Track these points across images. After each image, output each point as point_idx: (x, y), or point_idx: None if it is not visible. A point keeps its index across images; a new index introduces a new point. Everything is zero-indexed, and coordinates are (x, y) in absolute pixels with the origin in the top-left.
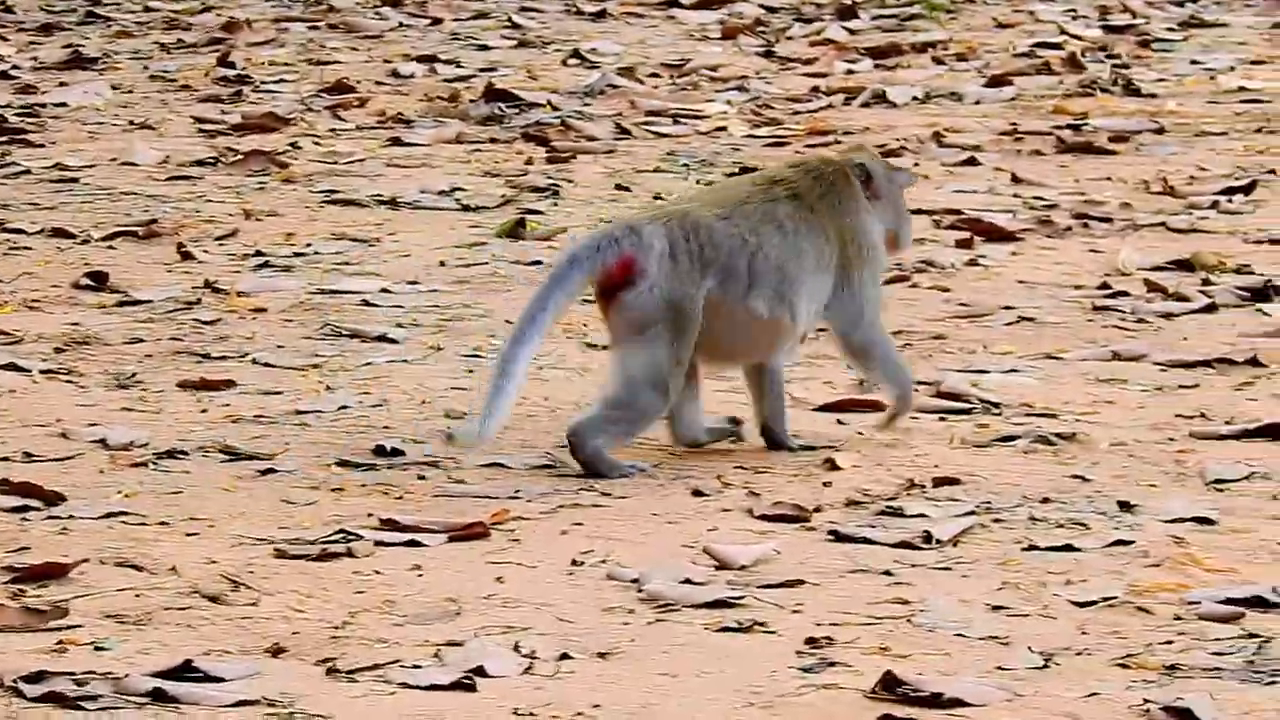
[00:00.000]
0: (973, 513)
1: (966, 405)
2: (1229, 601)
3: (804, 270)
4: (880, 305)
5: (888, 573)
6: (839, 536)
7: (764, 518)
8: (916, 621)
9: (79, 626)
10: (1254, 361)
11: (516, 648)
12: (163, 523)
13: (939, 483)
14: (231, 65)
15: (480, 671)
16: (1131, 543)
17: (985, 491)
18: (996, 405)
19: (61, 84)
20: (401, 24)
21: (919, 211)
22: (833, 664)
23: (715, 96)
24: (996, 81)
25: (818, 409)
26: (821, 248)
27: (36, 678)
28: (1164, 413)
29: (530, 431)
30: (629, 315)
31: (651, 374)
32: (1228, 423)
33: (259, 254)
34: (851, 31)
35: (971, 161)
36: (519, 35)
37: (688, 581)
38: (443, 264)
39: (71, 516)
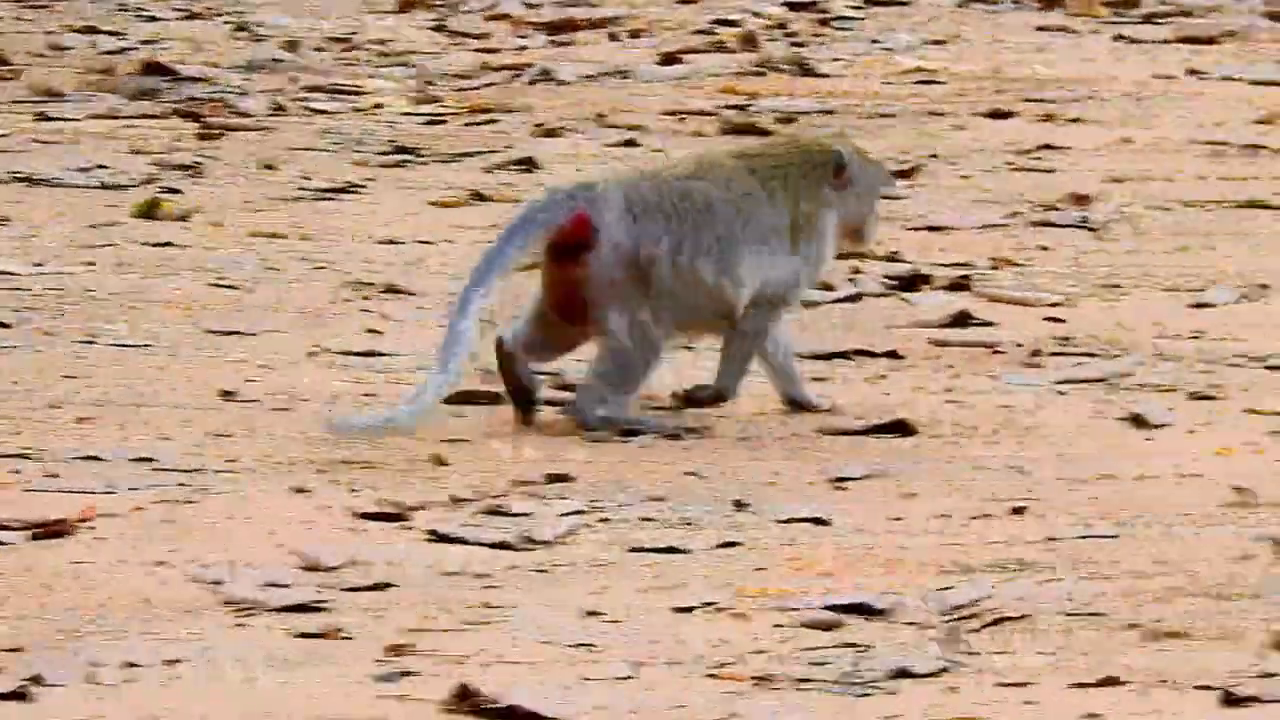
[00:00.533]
0: (580, 512)
1: None
2: (832, 608)
3: (750, 241)
4: (800, 297)
5: (482, 576)
6: (438, 537)
7: (363, 516)
8: (504, 628)
9: None
10: (892, 354)
11: (77, 654)
12: None
13: (551, 479)
14: None
15: (38, 680)
16: (741, 544)
17: (598, 489)
18: None
19: None
20: None
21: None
22: (410, 673)
23: (377, 73)
24: (669, 59)
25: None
26: (773, 221)
27: None
28: (781, 407)
29: (132, 423)
30: (596, 280)
31: (637, 335)
32: (857, 418)
33: None
34: (529, 5)
35: (631, 143)
36: (188, 6)
37: (272, 584)
38: (72, 244)
39: None
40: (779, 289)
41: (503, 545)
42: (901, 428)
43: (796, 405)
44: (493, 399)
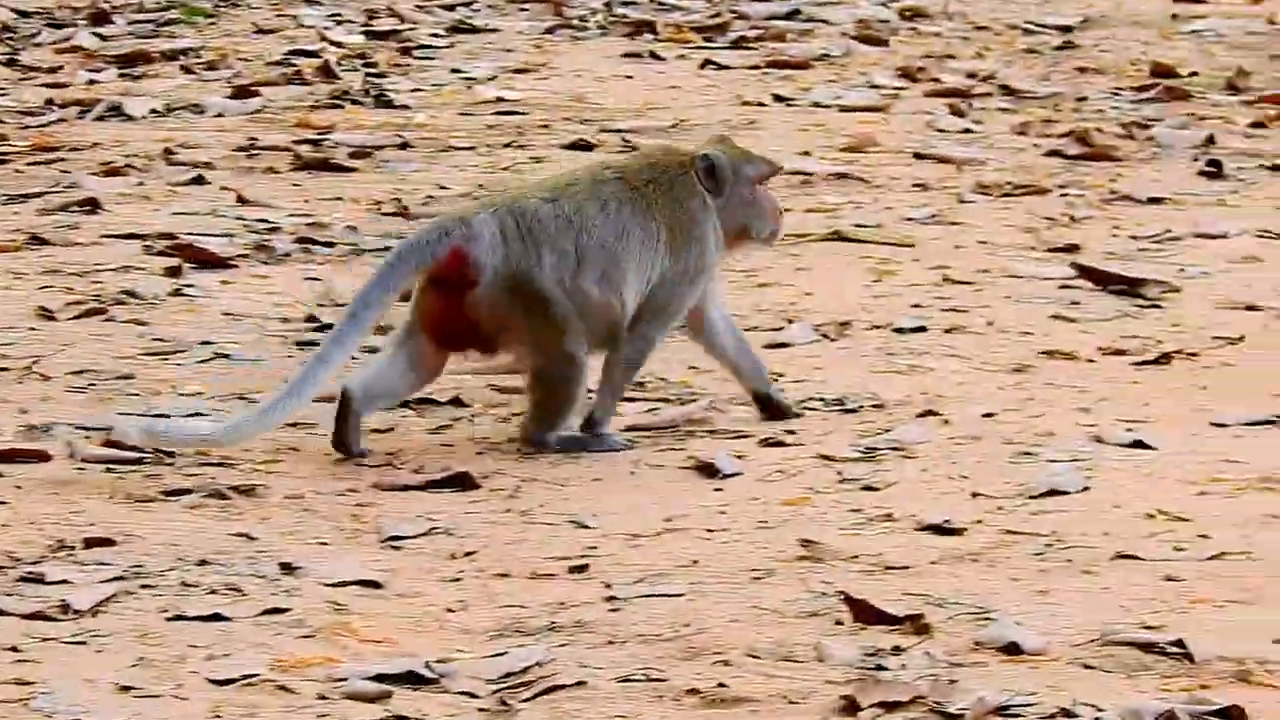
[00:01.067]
0: (120, 578)
1: (137, 455)
2: (379, 678)
3: (628, 252)
4: (685, 305)
5: (15, 649)
6: None
7: None
8: (35, 705)
9: None
10: (456, 402)
11: None
12: None
13: (91, 543)
14: None
15: None
16: (288, 610)
17: (140, 553)
18: (170, 455)
19: None
20: None
21: (133, 236)
22: None
23: None
24: (243, 92)
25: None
26: (649, 230)
27: None
28: (349, 461)
29: None
30: (488, 311)
31: (551, 353)
32: (416, 471)
33: None
34: (103, 38)
35: (199, 180)
36: None
37: None
38: None
39: None
40: (663, 300)
41: (39, 616)
42: (462, 481)
43: (767, 403)
44: (40, 457)
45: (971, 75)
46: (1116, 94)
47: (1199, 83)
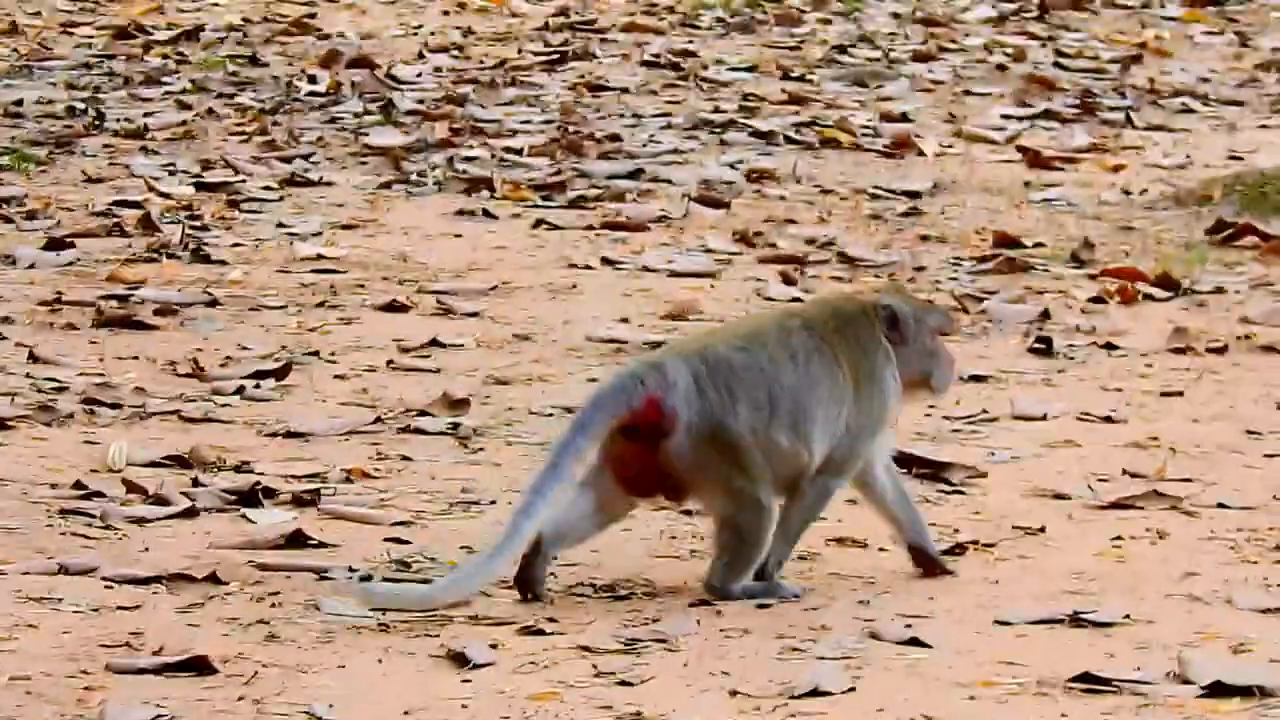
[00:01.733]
0: None
1: None
2: None
3: (818, 401)
4: (865, 456)
5: None
6: None
7: None
8: None
9: None
10: (212, 579)
11: None
12: None
13: None
14: None
15: None
16: None
17: None
18: None
19: None
20: None
21: None
22: None
23: None
24: (57, 244)
25: None
26: (836, 380)
27: None
28: (87, 636)
29: None
30: (683, 461)
31: (745, 502)
32: (155, 653)
33: None
34: None
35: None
36: None
37: None
38: None
39: None
40: (845, 451)
41: None
42: (199, 665)
43: (922, 555)
44: None
45: (810, 241)
46: (956, 264)
47: (1043, 254)
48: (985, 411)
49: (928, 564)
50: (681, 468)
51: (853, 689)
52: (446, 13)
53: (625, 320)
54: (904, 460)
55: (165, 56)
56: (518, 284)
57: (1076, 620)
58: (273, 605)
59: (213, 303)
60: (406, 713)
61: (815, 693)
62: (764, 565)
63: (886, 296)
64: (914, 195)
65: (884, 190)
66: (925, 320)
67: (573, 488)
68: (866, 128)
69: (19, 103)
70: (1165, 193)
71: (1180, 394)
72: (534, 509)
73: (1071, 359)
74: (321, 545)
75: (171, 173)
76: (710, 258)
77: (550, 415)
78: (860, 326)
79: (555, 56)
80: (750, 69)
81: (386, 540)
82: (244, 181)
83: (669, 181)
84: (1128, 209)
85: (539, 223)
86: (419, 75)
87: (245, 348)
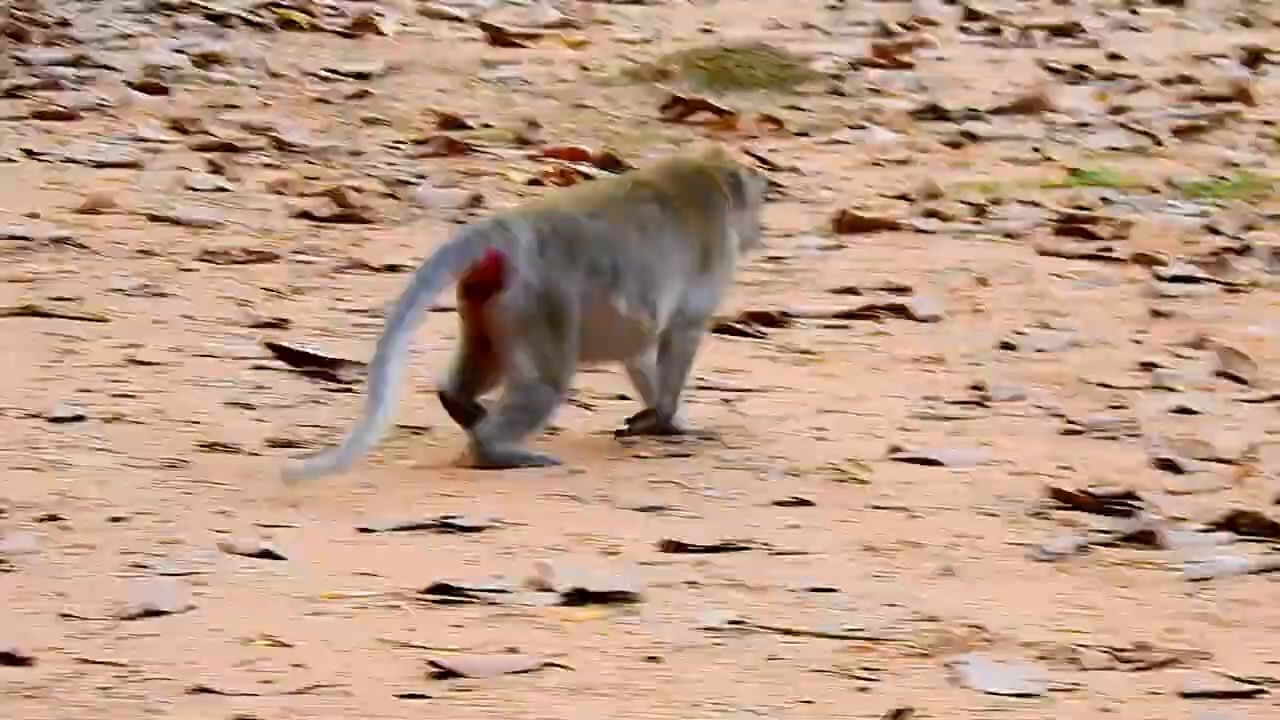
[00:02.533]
0: None
1: None
2: None
3: (666, 272)
4: (715, 315)
5: None
6: None
7: None
8: None
9: None
10: None
11: None
12: None
13: None
14: None
15: None
16: None
17: None
18: None
19: None
20: None
21: None
22: None
23: None
24: None
25: None
26: (685, 248)
27: None
28: None
29: None
30: (507, 316)
31: (543, 371)
32: None
33: None
34: None
35: None
36: None
37: None
38: None
39: None
40: (695, 312)
41: None
42: None
43: (643, 414)
44: None
45: (247, 128)
46: (397, 148)
47: (489, 136)
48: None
49: (648, 427)
50: (505, 324)
51: (192, 608)
52: None
53: (35, 215)
54: (294, 358)
55: None
56: None
57: (444, 525)
58: None
59: None
60: None
61: (150, 613)
62: (662, 413)
63: (728, 164)
64: (363, 77)
65: (334, 73)
66: (757, 185)
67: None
68: (331, 8)
69: None
70: (626, 69)
71: None
72: (386, 362)
73: None
74: None
75: None
76: (139, 147)
77: None
78: (709, 192)
79: None
80: None
81: None
82: None
83: (110, 68)
84: (584, 87)
85: None
86: None
87: None
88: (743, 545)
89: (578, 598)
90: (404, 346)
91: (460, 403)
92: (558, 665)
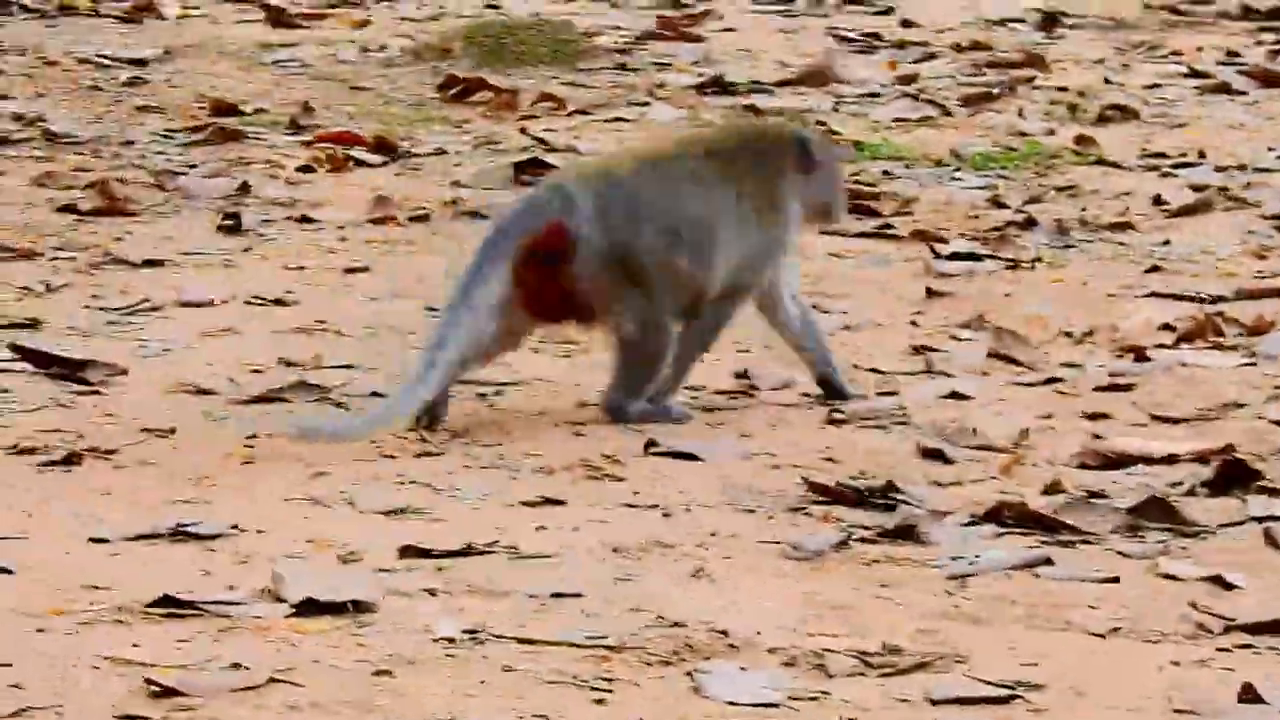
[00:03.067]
0: None
1: None
2: None
3: (719, 228)
4: (763, 283)
5: None
6: None
7: None
8: None
9: None
10: None
11: None
12: None
13: None
14: None
15: None
16: None
17: None
18: None
19: None
20: None
21: None
22: None
23: None
24: None
25: None
26: (737, 208)
27: None
28: None
29: None
30: (583, 283)
31: (640, 322)
32: None
33: None
34: None
35: None
36: None
37: None
38: None
39: None
40: (746, 274)
41: None
42: None
43: (828, 385)
44: None
45: (18, 118)
46: (168, 136)
47: (262, 121)
48: (148, 300)
49: (834, 391)
50: (586, 290)
51: None
52: None
53: None
54: (39, 359)
55: None
56: None
57: (180, 533)
58: None
59: None
60: None
61: None
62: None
63: (797, 127)
64: (140, 63)
65: (111, 59)
66: (831, 150)
67: (484, 315)
68: None
69: None
70: (408, 48)
71: (366, 269)
72: (448, 340)
73: (262, 236)
74: None
75: None
76: None
77: None
78: (768, 155)
79: None
80: None
81: None
82: None
83: None
84: (364, 68)
85: None
86: None
87: None
88: (486, 549)
89: (309, 608)
90: (466, 327)
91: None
92: (284, 681)
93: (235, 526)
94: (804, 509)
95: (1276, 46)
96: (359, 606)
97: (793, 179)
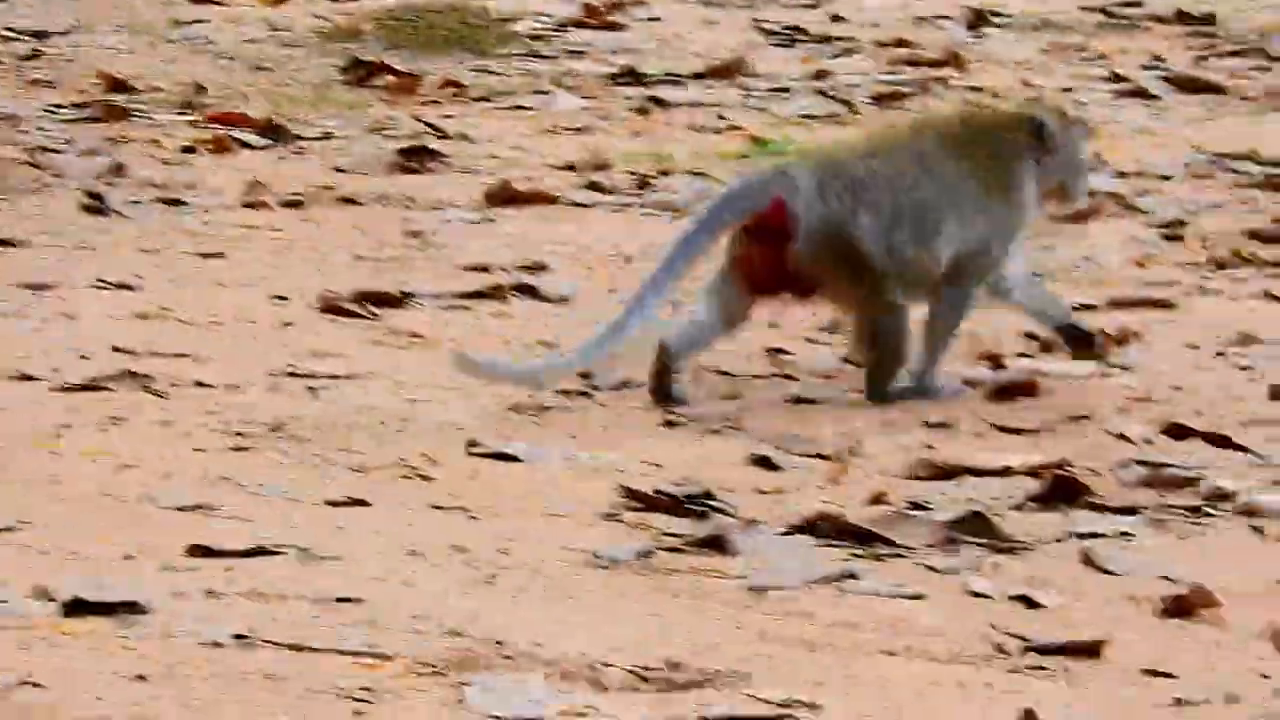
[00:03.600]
0: None
1: None
2: None
3: (945, 212)
4: (1000, 263)
5: None
6: None
7: None
8: None
9: None
10: None
11: None
12: None
13: None
14: None
15: None
16: None
17: None
18: None
19: None
20: None
21: None
22: None
23: None
24: None
25: None
26: (967, 191)
27: None
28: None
29: None
30: (806, 265)
31: (870, 304)
32: None
33: None
34: None
35: None
36: None
37: None
38: None
39: None
40: (967, 265)
41: None
42: None
43: (1074, 334)
44: None
45: None
46: (55, 112)
47: (154, 99)
48: None
49: (1082, 341)
50: (810, 275)
51: None
52: None
53: None
54: None
55: None
56: None
57: None
58: None
59: None
60: None
61: None
62: (918, 373)
63: (1034, 109)
64: (42, 36)
65: (14, 32)
66: (1070, 131)
67: (711, 285)
68: None
69: None
70: (317, 29)
71: (222, 255)
72: (647, 302)
73: (127, 217)
74: None
75: None
76: None
77: None
78: (1002, 138)
79: None
80: None
81: None
82: None
83: None
84: (269, 48)
85: None
86: None
87: None
88: (276, 550)
89: (78, 609)
90: (667, 291)
91: (670, 372)
92: (33, 684)
93: (22, 521)
94: (617, 515)
95: (1204, 53)
96: (130, 608)
97: (1029, 162)
